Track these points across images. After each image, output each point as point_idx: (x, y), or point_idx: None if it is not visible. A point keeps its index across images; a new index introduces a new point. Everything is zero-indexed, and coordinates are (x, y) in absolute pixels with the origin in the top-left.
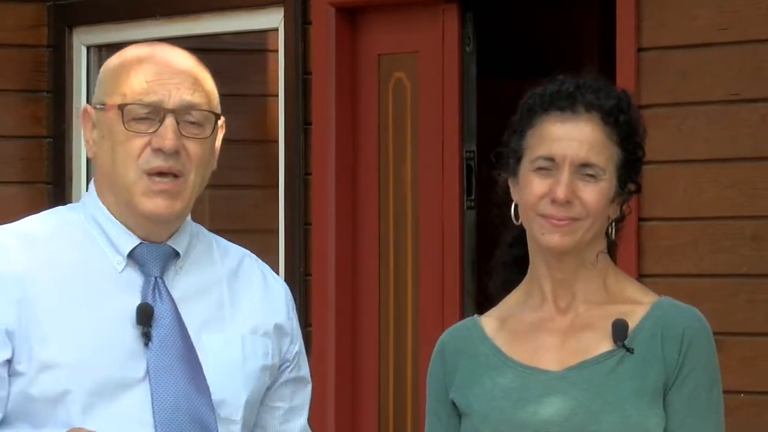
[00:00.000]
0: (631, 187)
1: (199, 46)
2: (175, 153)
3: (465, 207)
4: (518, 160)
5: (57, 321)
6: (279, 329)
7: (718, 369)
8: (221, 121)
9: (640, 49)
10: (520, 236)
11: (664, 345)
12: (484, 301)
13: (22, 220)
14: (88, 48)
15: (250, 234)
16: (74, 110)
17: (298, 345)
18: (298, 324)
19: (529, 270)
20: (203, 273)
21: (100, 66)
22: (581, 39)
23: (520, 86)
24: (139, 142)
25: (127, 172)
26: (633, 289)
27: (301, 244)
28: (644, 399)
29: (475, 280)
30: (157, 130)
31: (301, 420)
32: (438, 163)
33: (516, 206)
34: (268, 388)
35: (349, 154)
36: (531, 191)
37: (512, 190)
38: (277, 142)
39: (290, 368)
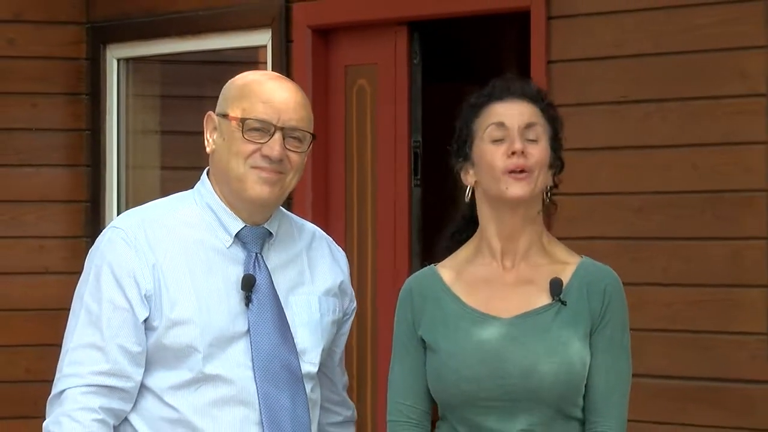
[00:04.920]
0: (559, 161)
1: (205, 59)
2: (280, 160)
3: (413, 185)
4: (470, 144)
5: (182, 286)
6: (342, 290)
7: (628, 316)
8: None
9: (549, 61)
10: (465, 212)
11: (590, 298)
12: (427, 260)
13: (148, 204)
14: (119, 60)
15: None
16: (107, 109)
17: (354, 302)
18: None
19: (477, 232)
20: (289, 248)
21: (128, 74)
22: (504, 53)
23: (457, 90)
24: (251, 147)
25: (239, 166)
26: (561, 250)
27: None
28: (578, 342)
29: (420, 243)
30: (268, 141)
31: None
32: (392, 151)
33: (470, 188)
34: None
35: (322, 144)
36: (491, 156)
37: (464, 176)
38: None
39: (348, 320)
